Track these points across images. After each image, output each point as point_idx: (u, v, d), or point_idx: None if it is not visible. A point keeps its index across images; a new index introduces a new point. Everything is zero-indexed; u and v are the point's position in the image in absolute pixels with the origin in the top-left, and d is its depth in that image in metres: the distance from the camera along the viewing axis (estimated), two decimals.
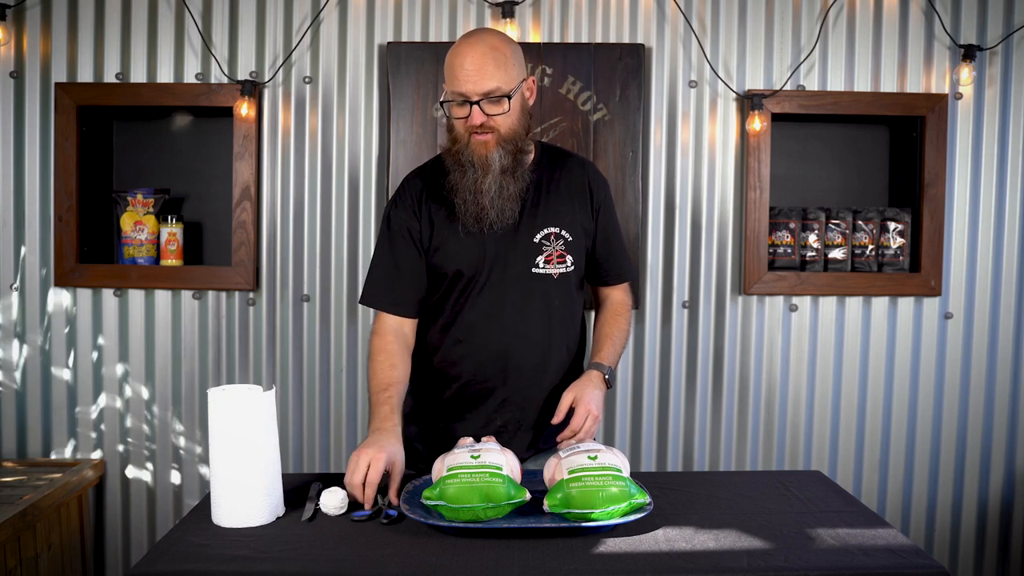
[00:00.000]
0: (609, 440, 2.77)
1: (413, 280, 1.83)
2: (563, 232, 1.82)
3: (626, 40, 2.71)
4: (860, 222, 2.79)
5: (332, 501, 1.54)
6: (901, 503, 2.81)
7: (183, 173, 2.85)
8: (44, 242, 2.72)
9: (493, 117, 1.72)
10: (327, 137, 2.72)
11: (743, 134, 2.73)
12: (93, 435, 2.75)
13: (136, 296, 2.74)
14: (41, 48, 2.70)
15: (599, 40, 2.71)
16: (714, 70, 2.72)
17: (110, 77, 2.70)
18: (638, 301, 2.73)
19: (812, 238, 2.79)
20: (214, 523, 1.50)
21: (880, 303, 2.78)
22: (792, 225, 2.77)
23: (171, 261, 2.74)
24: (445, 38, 2.70)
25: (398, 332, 1.83)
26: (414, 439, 1.92)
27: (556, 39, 2.71)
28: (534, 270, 1.81)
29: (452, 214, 1.81)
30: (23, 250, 2.73)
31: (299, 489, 1.67)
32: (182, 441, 2.76)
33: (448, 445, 1.76)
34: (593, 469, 1.48)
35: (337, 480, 1.71)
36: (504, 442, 1.77)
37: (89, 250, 2.76)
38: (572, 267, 1.84)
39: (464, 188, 1.75)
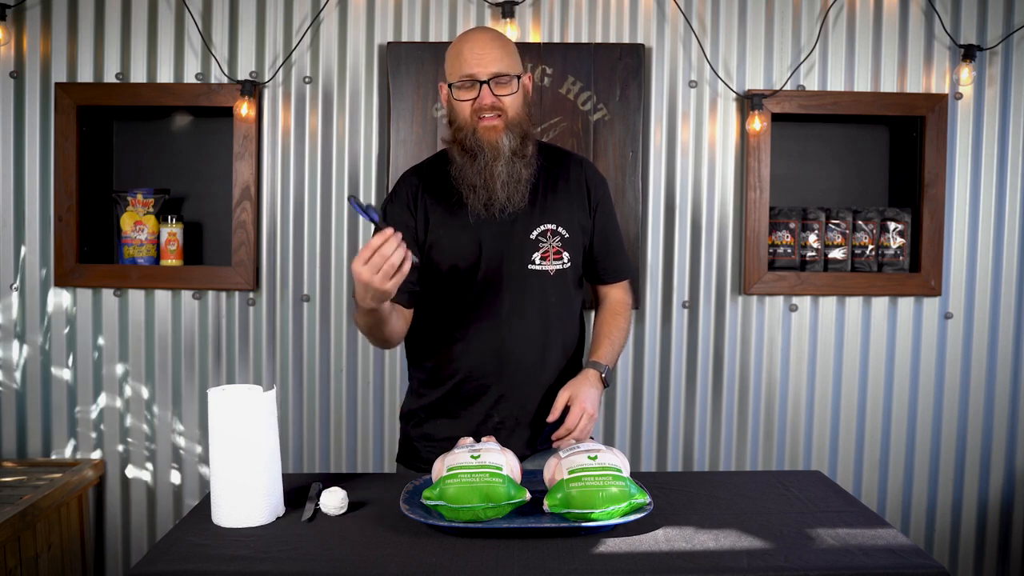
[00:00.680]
0: (609, 440, 2.77)
1: (408, 277, 1.83)
2: (560, 229, 1.83)
3: (626, 40, 2.71)
4: (860, 222, 2.79)
5: (332, 501, 1.54)
6: (901, 503, 2.81)
7: (183, 173, 2.85)
8: (44, 242, 2.72)
9: (502, 98, 1.73)
10: (327, 137, 2.72)
11: (743, 134, 2.73)
12: (93, 435, 2.75)
13: (136, 296, 2.74)
14: (41, 48, 2.70)
15: (599, 40, 2.71)
16: (714, 70, 2.72)
17: (110, 77, 2.70)
18: (638, 301, 2.73)
19: (812, 238, 2.79)
20: (214, 523, 1.50)
21: (880, 303, 2.78)
22: (792, 225, 2.77)
23: (171, 261, 2.74)
24: (445, 38, 2.70)
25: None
26: (414, 439, 1.92)
27: (556, 39, 2.71)
28: (530, 266, 1.81)
29: (449, 210, 1.81)
30: (23, 250, 2.73)
31: (299, 489, 1.67)
32: (182, 441, 2.76)
33: (446, 443, 1.76)
34: (593, 469, 1.48)
35: (337, 480, 1.71)
36: (502, 439, 1.77)
37: (89, 250, 2.76)
38: (569, 264, 1.84)
39: (474, 173, 1.75)
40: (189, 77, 2.70)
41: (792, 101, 2.71)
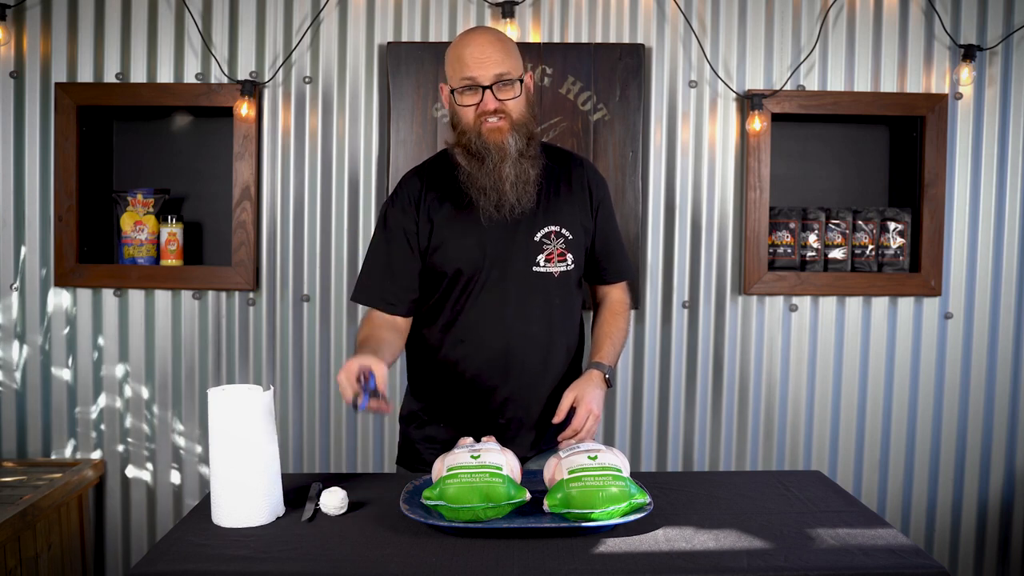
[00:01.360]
0: (609, 440, 2.77)
1: (406, 280, 1.83)
2: (563, 230, 1.82)
3: (626, 40, 2.71)
4: (860, 222, 2.79)
5: (332, 501, 1.54)
6: (901, 503, 2.81)
7: (183, 173, 2.85)
8: (44, 242, 2.72)
9: (505, 102, 1.72)
10: (327, 137, 2.72)
11: (743, 134, 2.73)
12: (93, 435, 2.75)
13: (136, 296, 2.74)
14: (41, 48, 2.70)
15: (599, 40, 2.71)
16: (714, 70, 2.72)
17: (110, 77, 2.70)
18: (638, 301, 2.73)
19: (812, 238, 2.79)
20: (214, 523, 1.50)
21: (880, 303, 2.78)
22: (792, 225, 2.77)
23: (171, 261, 2.73)
24: (445, 38, 2.70)
25: (389, 321, 1.83)
26: (416, 441, 1.92)
27: (556, 39, 2.71)
28: (535, 268, 1.81)
29: (453, 212, 1.80)
30: (23, 250, 2.73)
31: (299, 489, 1.67)
32: (182, 441, 2.76)
33: (451, 445, 1.76)
34: (593, 469, 1.48)
35: (337, 480, 1.71)
36: (507, 441, 1.77)
37: (89, 250, 2.75)
38: (572, 266, 1.84)
39: (483, 176, 1.74)
40: (189, 77, 2.70)
41: (792, 101, 2.71)
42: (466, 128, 1.75)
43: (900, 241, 2.78)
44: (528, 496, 1.49)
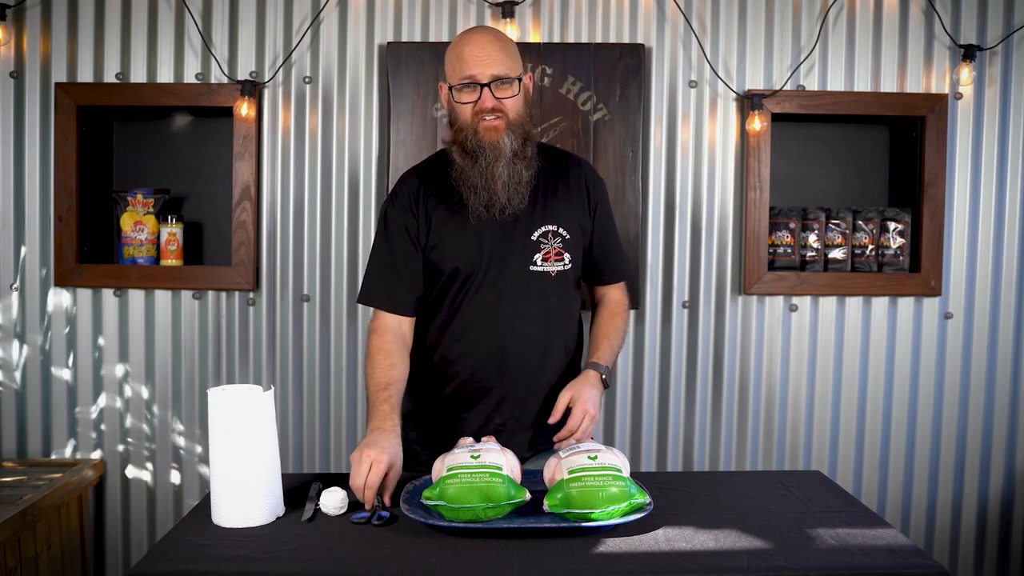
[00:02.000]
0: (609, 440, 2.77)
1: (411, 279, 1.83)
2: (561, 230, 1.83)
3: (626, 40, 2.71)
4: (860, 222, 2.79)
5: (332, 501, 1.54)
6: (901, 503, 2.81)
7: (183, 173, 2.85)
8: (44, 242, 2.72)
9: (503, 101, 1.73)
10: (327, 137, 2.72)
11: (743, 134, 2.73)
12: (93, 435, 2.75)
13: (136, 296, 2.74)
14: (41, 48, 2.70)
15: (599, 40, 2.71)
16: (714, 70, 2.72)
17: (110, 77, 2.70)
18: (638, 301, 2.73)
19: (812, 238, 2.79)
20: (214, 523, 1.50)
21: (880, 303, 2.78)
22: (792, 225, 2.77)
23: (171, 261, 2.74)
24: (445, 38, 2.70)
25: (396, 331, 1.82)
26: (413, 441, 1.92)
27: (556, 39, 2.71)
28: (532, 268, 1.81)
29: (450, 211, 1.81)
30: (23, 250, 2.73)
31: (299, 489, 1.67)
32: (182, 441, 2.76)
33: (448, 445, 1.76)
34: (593, 469, 1.48)
35: (337, 480, 1.71)
36: (503, 441, 1.77)
37: (89, 250, 2.75)
38: (570, 265, 1.84)
39: (476, 174, 1.75)
40: (189, 77, 2.70)
41: (792, 101, 2.71)
42: (463, 126, 1.76)
43: (900, 241, 2.78)
44: (528, 496, 1.50)
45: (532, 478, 1.66)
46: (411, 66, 2.65)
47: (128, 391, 2.75)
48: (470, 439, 1.64)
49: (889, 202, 2.91)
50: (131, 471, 2.76)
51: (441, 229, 1.81)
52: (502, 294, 1.80)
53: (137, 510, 2.77)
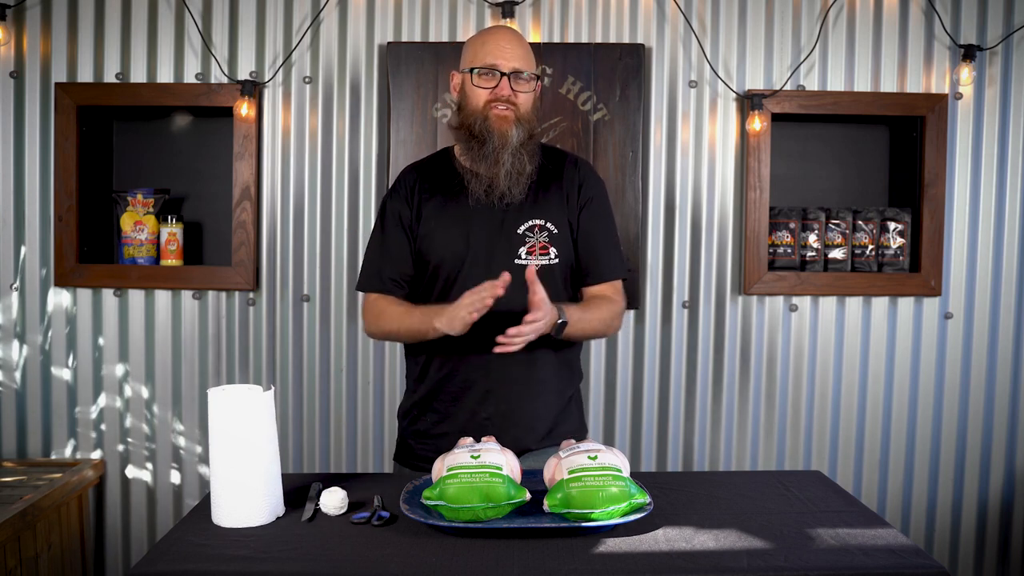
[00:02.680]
0: (609, 440, 2.77)
1: (402, 263, 1.88)
2: (548, 224, 1.84)
3: (626, 40, 2.71)
4: (860, 222, 2.79)
5: (332, 501, 1.54)
6: (901, 503, 2.81)
7: (183, 173, 2.85)
8: (44, 242, 2.72)
9: (518, 94, 1.80)
10: (327, 137, 2.72)
11: (743, 134, 2.73)
12: (93, 435, 2.75)
13: (136, 296, 2.74)
14: (41, 48, 2.69)
15: (599, 40, 2.71)
16: (714, 70, 2.72)
17: (110, 77, 2.70)
18: (638, 301, 2.73)
19: (812, 238, 2.79)
20: (214, 523, 1.50)
21: (880, 303, 2.78)
22: (792, 225, 2.77)
23: (171, 261, 2.73)
24: (445, 38, 2.70)
25: (392, 300, 1.88)
26: (407, 436, 1.93)
27: (556, 39, 2.71)
28: (516, 261, 1.81)
29: (443, 205, 1.85)
30: (23, 250, 2.73)
31: (299, 489, 1.67)
32: (182, 441, 2.76)
33: (440, 439, 1.78)
34: (593, 469, 1.48)
35: (337, 480, 1.71)
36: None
37: (89, 250, 2.75)
38: (556, 260, 1.85)
39: (480, 159, 1.80)
40: (189, 77, 2.70)
41: (792, 101, 2.71)
42: (473, 110, 1.80)
43: (900, 241, 2.78)
44: (528, 496, 1.49)
45: (532, 478, 1.66)
46: (411, 66, 2.65)
47: (128, 391, 2.75)
48: (470, 439, 1.63)
49: (889, 202, 2.91)
50: (131, 471, 2.76)
51: (431, 222, 1.85)
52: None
53: (137, 510, 2.77)
